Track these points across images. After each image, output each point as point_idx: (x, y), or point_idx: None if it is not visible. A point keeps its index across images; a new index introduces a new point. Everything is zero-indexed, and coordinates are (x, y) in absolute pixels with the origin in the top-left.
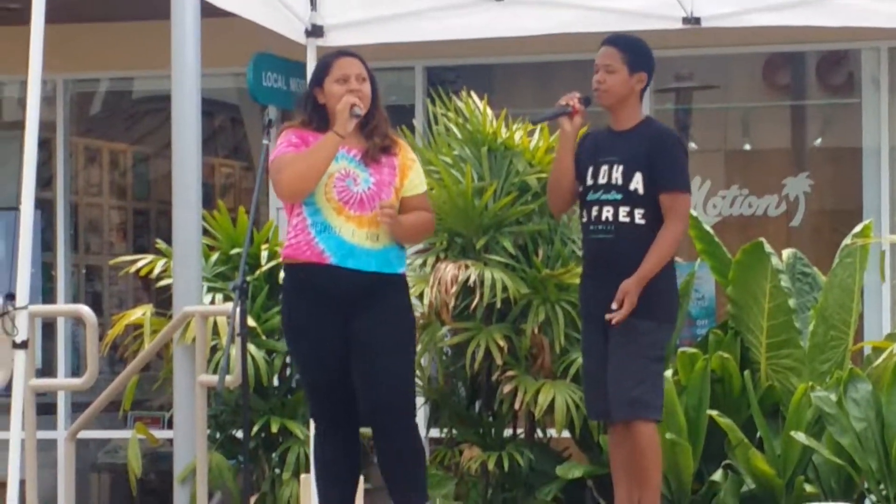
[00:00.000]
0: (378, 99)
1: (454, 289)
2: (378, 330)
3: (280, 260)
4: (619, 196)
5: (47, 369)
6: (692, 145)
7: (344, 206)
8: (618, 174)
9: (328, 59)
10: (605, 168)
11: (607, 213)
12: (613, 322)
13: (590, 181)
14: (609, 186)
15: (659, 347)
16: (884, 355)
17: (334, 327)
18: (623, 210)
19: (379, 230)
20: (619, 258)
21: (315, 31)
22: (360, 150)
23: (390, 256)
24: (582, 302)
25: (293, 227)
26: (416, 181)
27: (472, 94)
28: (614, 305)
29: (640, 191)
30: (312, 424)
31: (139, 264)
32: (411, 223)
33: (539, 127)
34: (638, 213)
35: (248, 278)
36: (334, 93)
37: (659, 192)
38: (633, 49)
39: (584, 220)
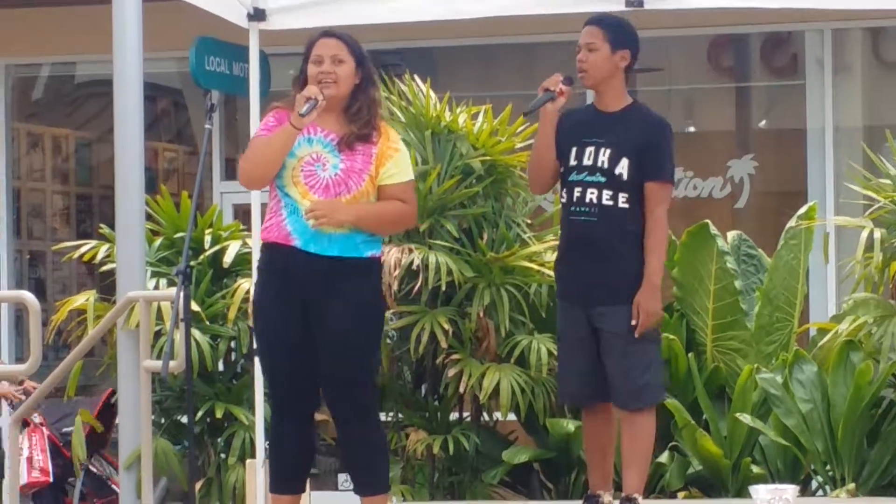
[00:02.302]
0: (369, 81)
1: (397, 272)
2: (338, 317)
3: (223, 245)
4: (603, 179)
5: None
6: None
7: (309, 190)
8: (604, 157)
9: (312, 39)
10: (590, 150)
11: (591, 195)
12: (637, 335)
13: (573, 162)
14: (594, 169)
15: (655, 330)
16: (828, 336)
17: (294, 309)
18: (607, 193)
19: None
20: (601, 241)
21: (257, 15)
22: (339, 134)
23: (356, 240)
24: (559, 282)
25: (269, 209)
26: (393, 170)
27: (416, 77)
28: (633, 322)
29: (625, 176)
30: (261, 408)
31: (82, 250)
32: (367, 210)
33: (483, 109)
34: (621, 196)
35: (192, 263)
36: (309, 74)
37: (647, 179)
38: (615, 27)
39: (565, 200)
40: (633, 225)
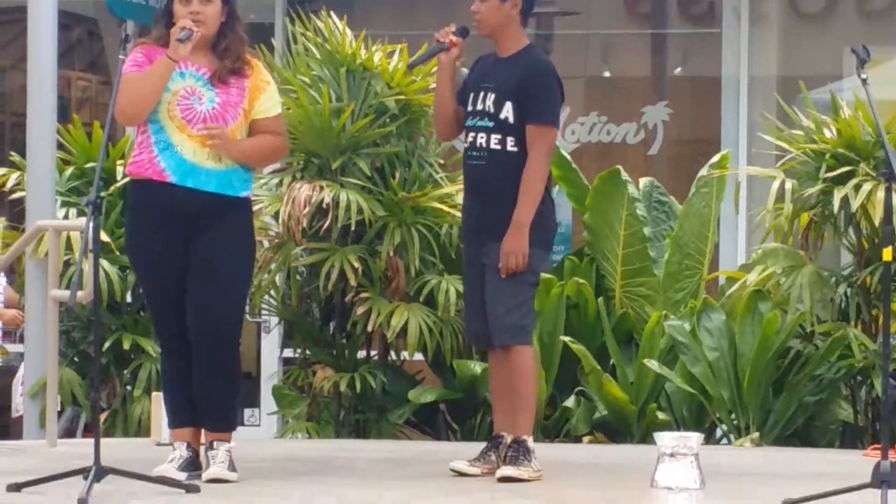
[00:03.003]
0: (234, 19)
1: (307, 209)
2: (212, 252)
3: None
4: (490, 123)
5: None
6: None
7: (187, 125)
8: (490, 102)
9: None
10: (482, 94)
11: (481, 139)
12: (503, 275)
13: (470, 107)
14: (483, 113)
15: (532, 272)
16: (737, 285)
17: (173, 245)
18: (495, 137)
19: None
20: (490, 184)
21: None
22: (211, 69)
23: (233, 178)
24: (463, 224)
25: (138, 145)
26: (267, 104)
27: (332, 14)
28: (500, 265)
29: (511, 119)
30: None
31: None
32: (251, 146)
33: (399, 48)
34: (510, 140)
35: (103, 194)
36: (177, 13)
37: (525, 122)
38: None
39: (465, 145)
40: (522, 168)
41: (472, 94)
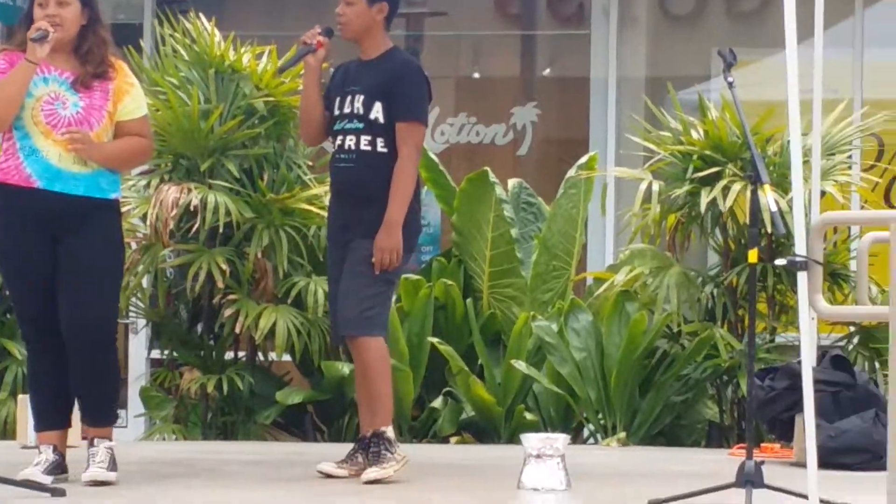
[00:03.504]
0: (96, 21)
1: (175, 211)
2: (83, 254)
3: None
4: (360, 125)
5: None
6: None
7: (52, 130)
8: (359, 104)
9: None
10: (349, 98)
11: (350, 141)
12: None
13: (336, 111)
14: (351, 116)
15: (389, 271)
16: (605, 286)
17: (41, 249)
18: (365, 139)
19: None
20: (361, 186)
21: None
22: (74, 73)
23: (100, 181)
24: (328, 227)
25: (4, 151)
26: (131, 106)
27: (201, 15)
28: (374, 261)
29: (381, 120)
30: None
31: None
32: (114, 149)
33: (268, 50)
34: (380, 141)
35: None
36: (36, 17)
37: (395, 120)
38: None
39: (332, 148)
40: (391, 169)
41: (337, 99)
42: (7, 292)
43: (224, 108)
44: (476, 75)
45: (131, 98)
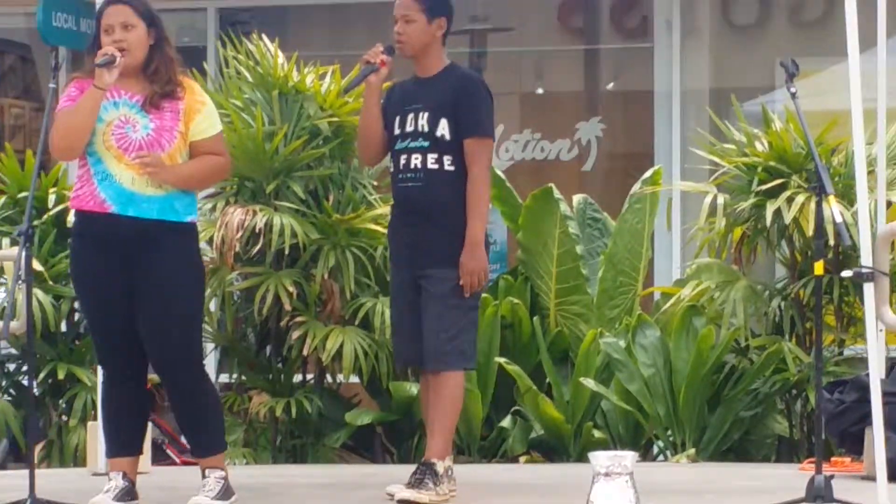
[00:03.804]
0: (163, 41)
1: (240, 234)
2: (160, 279)
3: (68, 204)
4: (426, 143)
5: None
6: None
7: (124, 154)
8: (423, 121)
9: (100, 9)
10: (411, 116)
11: (416, 160)
12: (467, 294)
13: (397, 130)
14: (416, 134)
15: (473, 296)
16: (671, 301)
17: (118, 275)
18: (431, 157)
19: None
20: (430, 205)
21: None
22: (143, 95)
23: (175, 204)
24: (391, 247)
25: (79, 178)
26: (203, 124)
27: (264, 36)
28: (461, 282)
29: (448, 137)
30: (100, 370)
31: None
32: (189, 169)
33: (331, 70)
34: (447, 159)
35: (36, 223)
36: (103, 44)
37: (463, 137)
38: None
39: (393, 168)
40: (460, 186)
41: (397, 118)
42: (84, 318)
43: (288, 129)
44: (540, 91)
45: (203, 116)
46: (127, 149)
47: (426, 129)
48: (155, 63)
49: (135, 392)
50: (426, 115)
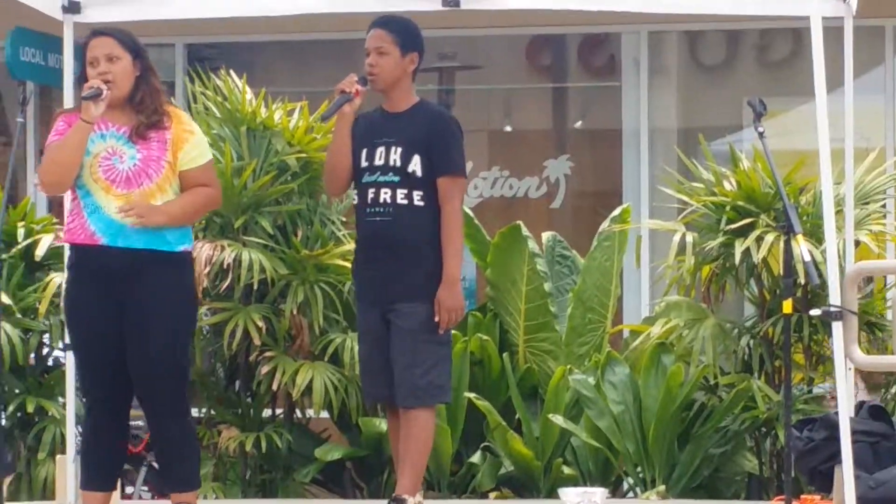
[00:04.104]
0: (148, 72)
1: (209, 269)
2: (149, 310)
3: (36, 237)
4: (396, 178)
5: None
6: None
7: (111, 185)
8: (396, 156)
9: (84, 41)
10: (381, 150)
11: (385, 195)
12: (441, 331)
13: (364, 163)
14: (386, 168)
15: (445, 331)
16: (641, 338)
17: (107, 305)
18: (401, 192)
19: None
20: (399, 239)
21: (72, 7)
22: (130, 126)
23: (165, 234)
24: (358, 283)
25: (70, 212)
26: (192, 153)
27: (232, 72)
28: (437, 318)
29: (419, 173)
30: (72, 402)
31: None
32: (178, 207)
33: (298, 106)
34: (416, 194)
35: (4, 256)
36: (89, 77)
37: (437, 174)
38: (403, 30)
39: (359, 201)
40: (429, 222)
41: (364, 150)
42: (71, 349)
43: (257, 164)
44: (508, 128)
45: (192, 145)
46: (114, 180)
47: (398, 164)
48: (141, 94)
49: (116, 424)
50: (399, 150)
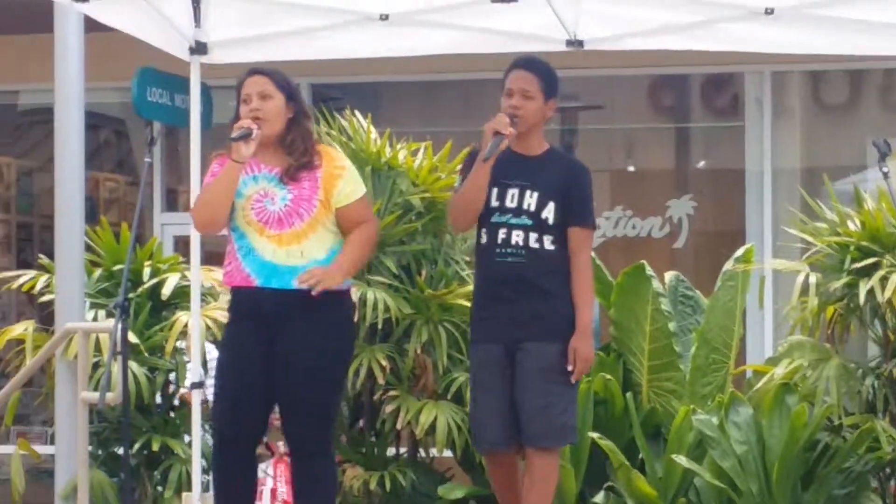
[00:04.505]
0: (301, 114)
1: None
2: (300, 351)
3: (162, 277)
4: (530, 222)
5: None
6: None
7: (265, 227)
8: (531, 200)
9: (240, 79)
10: (513, 192)
11: (517, 237)
12: (573, 380)
13: (495, 203)
14: (519, 211)
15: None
16: (764, 379)
17: (258, 345)
18: (533, 236)
19: (301, 245)
20: (531, 281)
21: (199, 49)
22: (281, 167)
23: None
24: (479, 321)
25: (228, 254)
26: (346, 189)
27: (357, 112)
28: (570, 367)
29: (551, 220)
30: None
31: (21, 280)
32: (349, 259)
33: (423, 146)
34: (547, 239)
35: (131, 295)
36: (241, 114)
37: (570, 224)
38: (548, 76)
39: (486, 241)
40: (559, 266)
41: (495, 190)
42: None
43: (381, 204)
44: (631, 168)
45: (344, 182)
46: (266, 221)
47: (532, 208)
48: (292, 135)
49: (249, 460)
50: (535, 195)
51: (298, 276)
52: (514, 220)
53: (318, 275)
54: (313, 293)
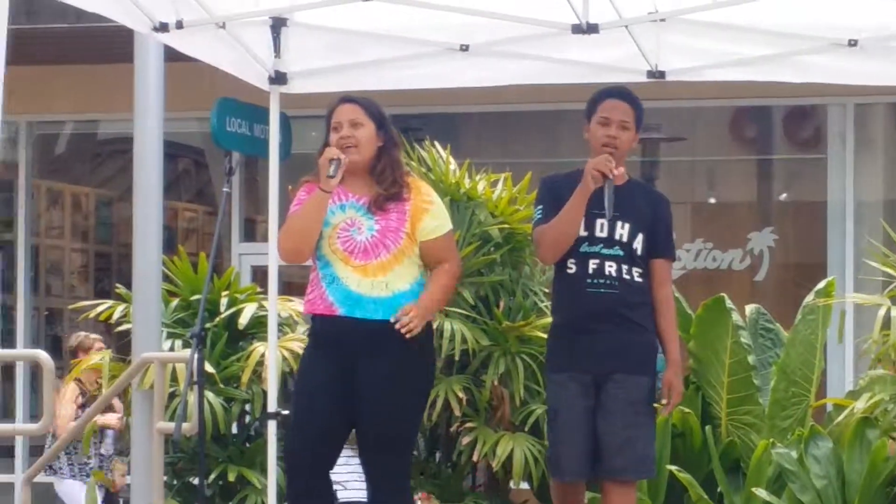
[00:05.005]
0: (391, 143)
1: None
2: (381, 384)
3: (239, 307)
4: (621, 253)
5: (6, 412)
6: None
7: (350, 256)
8: (623, 231)
9: (331, 106)
10: (601, 222)
11: (610, 268)
12: (667, 413)
13: (584, 233)
14: (611, 242)
15: (654, 402)
16: (845, 413)
17: (338, 373)
18: (625, 267)
19: (387, 277)
20: (624, 313)
21: (278, 79)
22: (369, 197)
23: (402, 303)
24: (562, 353)
25: (311, 282)
26: (432, 224)
27: (436, 143)
28: (664, 401)
29: (640, 251)
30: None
31: (99, 309)
32: (433, 298)
33: (502, 177)
34: (636, 271)
35: (208, 325)
36: (331, 141)
37: (655, 256)
38: (640, 108)
39: (576, 271)
40: (645, 297)
41: (583, 221)
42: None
43: (460, 235)
44: (712, 200)
45: (431, 217)
46: (352, 251)
47: (624, 239)
48: (382, 164)
49: (324, 487)
50: (627, 226)
51: (395, 315)
52: (605, 251)
53: (409, 317)
54: (406, 335)
